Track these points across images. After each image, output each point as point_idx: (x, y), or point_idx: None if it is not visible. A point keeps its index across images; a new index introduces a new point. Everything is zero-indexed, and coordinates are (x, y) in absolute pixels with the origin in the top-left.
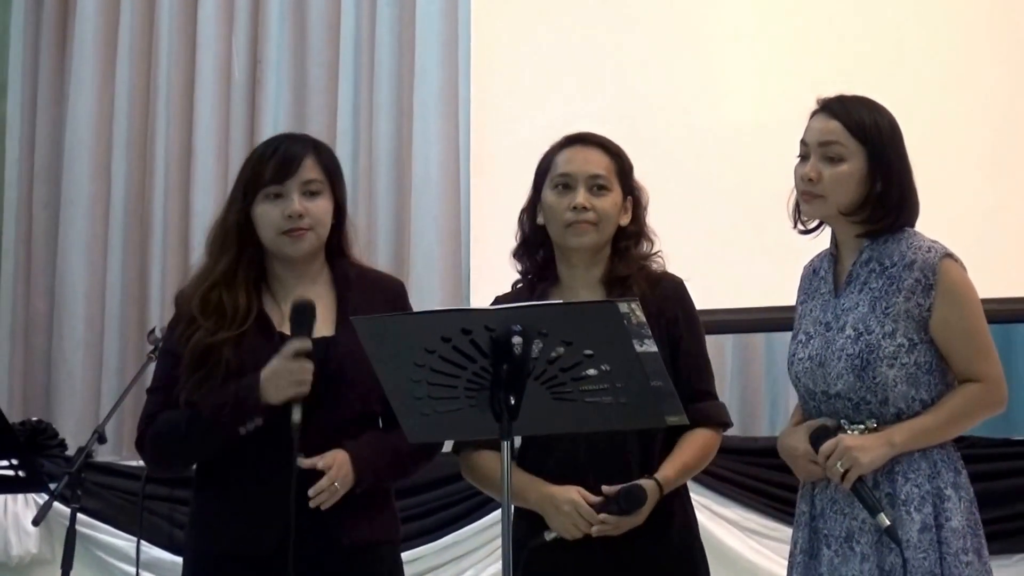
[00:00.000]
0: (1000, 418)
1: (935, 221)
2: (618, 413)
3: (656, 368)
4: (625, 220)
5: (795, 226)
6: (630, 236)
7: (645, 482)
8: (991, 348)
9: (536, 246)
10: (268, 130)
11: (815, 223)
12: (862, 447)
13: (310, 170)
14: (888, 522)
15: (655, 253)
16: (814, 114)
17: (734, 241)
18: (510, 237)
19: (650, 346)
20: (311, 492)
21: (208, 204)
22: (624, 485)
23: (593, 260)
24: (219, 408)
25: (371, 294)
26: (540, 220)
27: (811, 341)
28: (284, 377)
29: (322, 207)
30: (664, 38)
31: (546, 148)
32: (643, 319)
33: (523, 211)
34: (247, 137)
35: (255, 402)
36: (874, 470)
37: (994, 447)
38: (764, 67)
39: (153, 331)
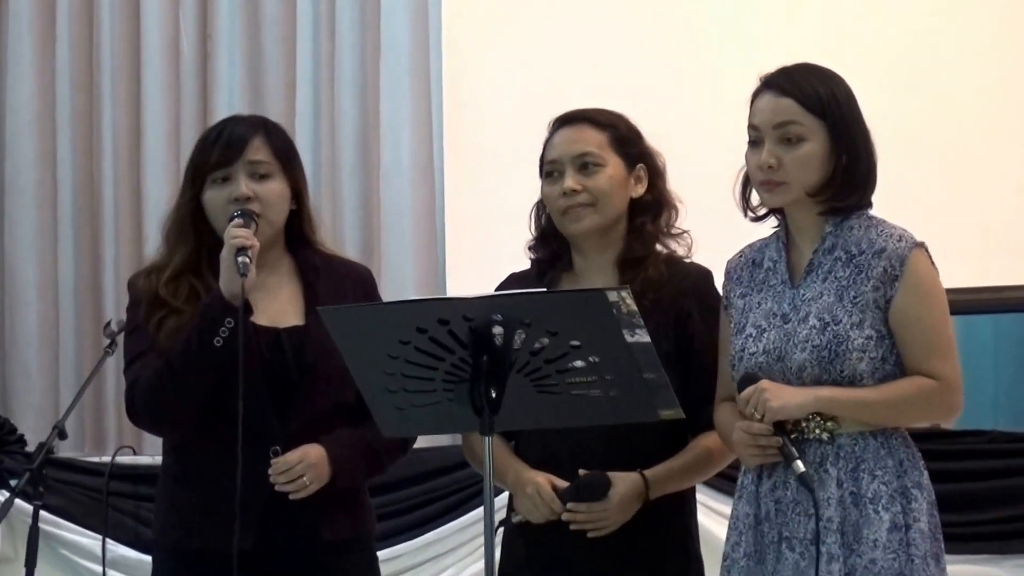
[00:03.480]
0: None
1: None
2: (607, 407)
3: (648, 359)
4: (638, 191)
5: (745, 215)
6: (647, 208)
7: (628, 475)
8: (951, 348)
9: (551, 237)
10: (222, 111)
11: (764, 210)
12: (775, 390)
13: (257, 151)
14: (803, 468)
15: (682, 232)
16: (759, 93)
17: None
18: (489, 222)
19: (642, 336)
20: (271, 471)
21: (160, 188)
22: (589, 473)
23: (604, 242)
24: (190, 331)
25: (339, 283)
26: None
27: (764, 334)
28: (226, 260)
29: (273, 190)
30: (657, 5)
31: (526, 125)
32: (634, 308)
33: (536, 204)
34: (199, 118)
35: (217, 301)
36: (792, 419)
37: (1017, 441)
38: (763, 41)
39: (109, 324)
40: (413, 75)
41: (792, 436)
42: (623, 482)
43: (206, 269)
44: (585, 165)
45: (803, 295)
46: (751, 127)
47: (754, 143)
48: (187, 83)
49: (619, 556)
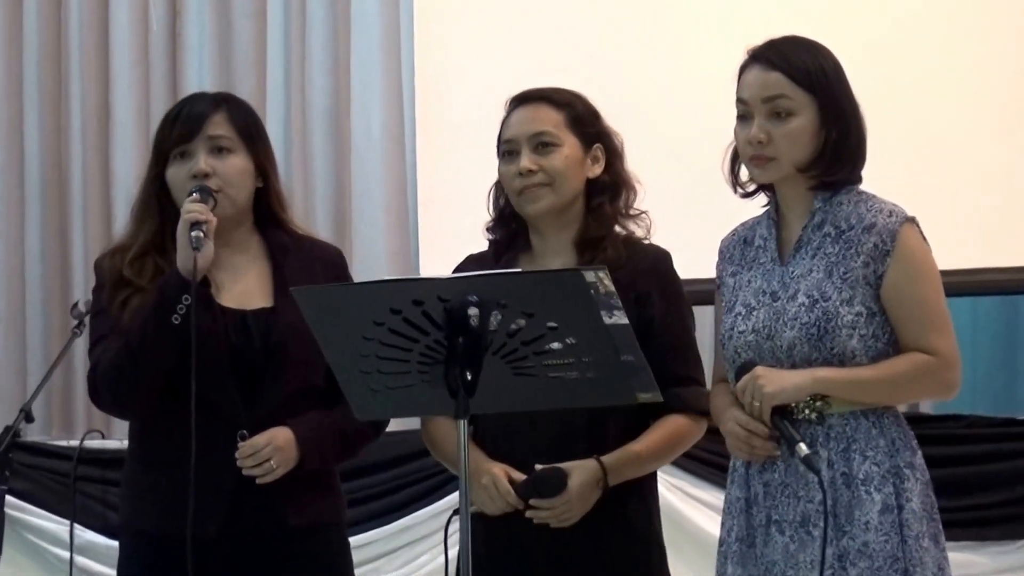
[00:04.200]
0: (1005, 396)
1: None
2: (585, 389)
3: (626, 341)
4: (595, 171)
5: (735, 190)
6: (604, 188)
7: (584, 463)
8: (947, 323)
9: (509, 218)
10: (191, 87)
11: (754, 186)
12: (769, 375)
13: (217, 126)
14: (807, 450)
15: (640, 213)
16: (747, 67)
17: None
18: (462, 200)
19: (620, 317)
20: (237, 455)
21: (129, 166)
22: (544, 467)
23: (561, 222)
24: (147, 309)
25: (308, 263)
26: None
27: (753, 313)
28: (181, 235)
29: (234, 165)
30: None
31: (500, 101)
32: (612, 288)
33: (494, 184)
34: (169, 95)
35: (173, 278)
36: (789, 402)
37: (996, 427)
38: (737, 15)
39: (76, 304)
40: (384, 50)
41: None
42: (580, 471)
43: (171, 247)
44: (541, 144)
45: (792, 272)
46: (739, 101)
47: (742, 118)
48: (156, 59)
49: (578, 544)
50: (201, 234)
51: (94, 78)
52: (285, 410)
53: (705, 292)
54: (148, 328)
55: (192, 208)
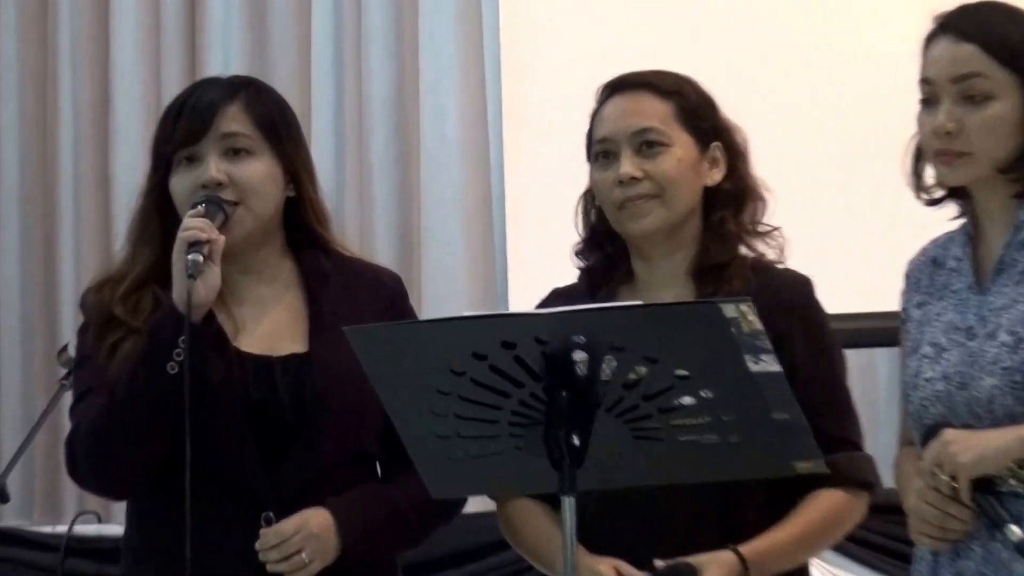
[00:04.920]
0: None
1: None
2: (726, 458)
3: (779, 394)
4: (714, 177)
5: (917, 195)
6: (727, 199)
7: (718, 556)
8: None
9: (604, 238)
10: (215, 69)
11: (942, 192)
12: (963, 440)
13: (232, 121)
14: (1021, 534)
15: (772, 230)
16: (933, 38)
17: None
18: (563, 214)
19: (770, 363)
20: (259, 545)
21: (133, 171)
22: (671, 561)
23: (673, 244)
24: (137, 356)
25: (355, 293)
26: None
27: (944, 355)
28: (177, 259)
29: (254, 171)
30: None
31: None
32: (758, 326)
33: (583, 194)
34: (184, 82)
35: (168, 315)
36: (991, 472)
37: None
38: None
39: (65, 349)
40: (461, 25)
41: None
42: (715, 567)
43: None
44: (646, 144)
45: (992, 303)
46: (923, 81)
47: (927, 102)
48: (170, 37)
49: None
50: (200, 257)
51: (90, 60)
52: (323, 485)
53: (852, 332)
54: (137, 380)
55: (190, 224)
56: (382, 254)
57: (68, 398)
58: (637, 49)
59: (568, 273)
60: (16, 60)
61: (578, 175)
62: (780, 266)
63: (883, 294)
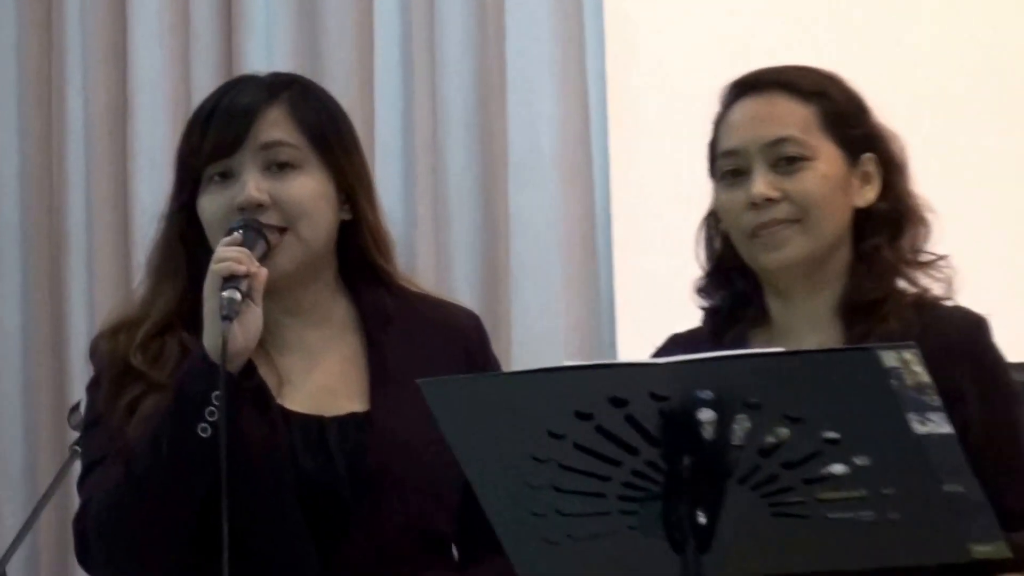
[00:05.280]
0: None
1: None
2: (886, 540)
3: (951, 461)
4: (867, 196)
5: None
6: (882, 223)
7: None
8: None
9: (732, 271)
10: (254, 65)
11: None
12: None
13: (274, 127)
14: None
15: (937, 259)
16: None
17: None
18: (681, 242)
19: (939, 424)
20: None
21: (157, 191)
22: None
23: (817, 279)
24: (160, 417)
25: (426, 336)
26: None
27: None
28: (208, 297)
29: (302, 189)
30: None
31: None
32: (926, 378)
33: (706, 219)
34: (217, 79)
35: (198, 366)
36: None
37: None
38: None
39: (76, 408)
40: (558, 14)
41: None
42: None
43: None
44: (784, 159)
45: None
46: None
47: None
48: (201, 28)
49: None
50: (238, 295)
51: (104, 52)
52: (387, 573)
53: None
54: (161, 446)
55: (225, 255)
56: (460, 291)
57: (79, 467)
58: (771, 40)
59: (689, 315)
60: (15, 60)
61: (700, 195)
62: (948, 303)
63: None
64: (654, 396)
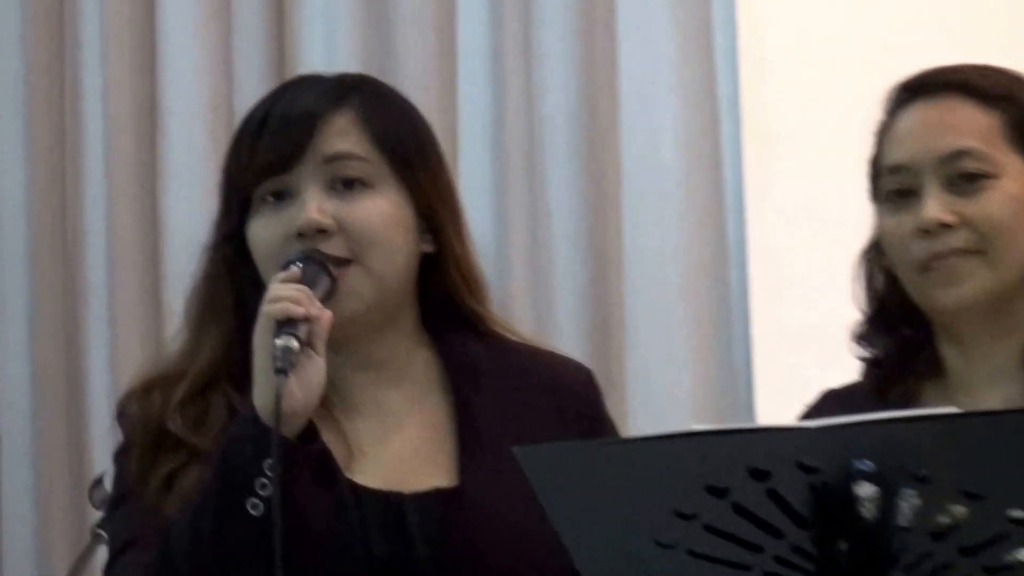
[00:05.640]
0: None
1: None
2: None
3: None
4: None
5: None
6: None
7: None
8: None
9: (898, 313)
10: (308, 65)
11: None
12: None
13: (340, 137)
14: None
15: None
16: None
17: None
18: (833, 276)
19: None
20: None
21: (194, 217)
22: None
23: (1002, 322)
24: (203, 491)
25: (525, 395)
26: None
27: None
28: (260, 347)
29: (374, 211)
30: None
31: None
32: None
33: (866, 250)
34: (268, 80)
35: (247, 430)
36: None
37: None
38: None
39: (99, 482)
40: (679, 7)
41: None
42: None
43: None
44: (963, 177)
45: None
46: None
47: None
48: (246, 13)
49: None
50: (295, 342)
51: (130, 57)
52: None
53: None
54: (204, 527)
55: (280, 294)
56: (565, 339)
57: (103, 554)
58: (939, 36)
59: (843, 367)
60: (20, 55)
61: (854, 223)
62: None
63: None
64: (802, 467)
